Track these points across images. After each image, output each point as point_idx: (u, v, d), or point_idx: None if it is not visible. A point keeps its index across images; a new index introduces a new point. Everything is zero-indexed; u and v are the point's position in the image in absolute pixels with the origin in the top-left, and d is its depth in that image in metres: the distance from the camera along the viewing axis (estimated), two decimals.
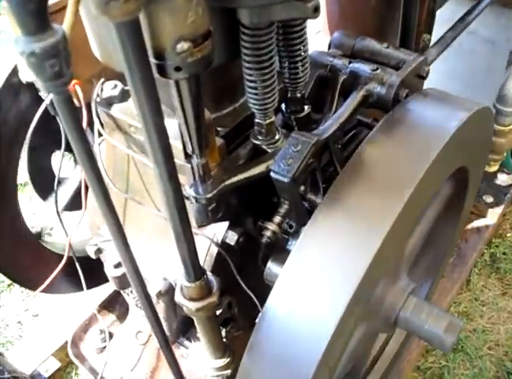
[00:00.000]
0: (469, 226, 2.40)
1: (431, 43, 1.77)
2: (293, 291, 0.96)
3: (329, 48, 1.32)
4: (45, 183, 1.64)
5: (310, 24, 1.07)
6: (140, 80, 0.69)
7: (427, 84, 1.27)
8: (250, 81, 0.97)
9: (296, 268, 0.97)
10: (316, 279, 0.95)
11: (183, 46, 0.72)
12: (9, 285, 2.45)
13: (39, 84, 0.63)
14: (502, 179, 2.50)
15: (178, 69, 0.74)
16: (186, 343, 1.54)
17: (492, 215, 2.45)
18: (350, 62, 1.21)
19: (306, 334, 0.94)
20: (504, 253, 2.45)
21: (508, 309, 2.29)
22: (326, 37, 1.74)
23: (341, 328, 0.92)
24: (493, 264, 2.43)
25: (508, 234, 2.52)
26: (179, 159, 1.02)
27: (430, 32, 1.80)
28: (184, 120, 0.88)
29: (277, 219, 1.07)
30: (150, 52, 0.74)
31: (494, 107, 1.88)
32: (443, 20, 1.83)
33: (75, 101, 1.19)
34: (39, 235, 1.79)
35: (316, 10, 0.83)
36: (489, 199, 2.46)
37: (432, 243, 1.52)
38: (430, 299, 1.82)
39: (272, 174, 0.98)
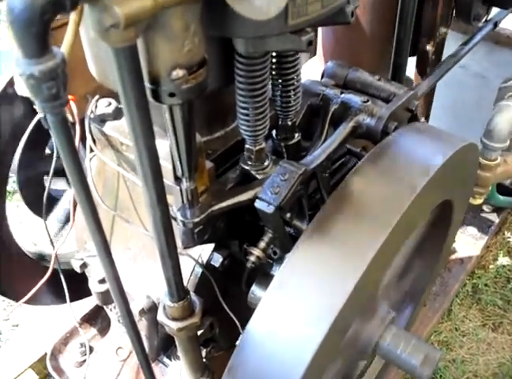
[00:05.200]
0: (453, 256, 2.43)
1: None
2: (274, 317, 0.97)
3: (322, 77, 1.34)
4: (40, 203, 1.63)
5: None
6: (134, 104, 0.71)
7: None
8: (243, 108, 0.99)
9: (278, 294, 0.98)
10: (297, 306, 0.96)
11: (178, 73, 0.74)
12: None
13: (36, 104, 0.65)
14: (487, 212, 2.54)
15: (172, 94, 0.76)
16: (166, 360, 1.54)
17: (476, 247, 2.48)
18: (342, 93, 1.24)
19: (285, 359, 0.95)
20: (486, 285, 2.48)
21: (488, 341, 2.32)
22: (321, 64, 1.77)
23: (320, 354, 0.93)
24: (474, 295, 2.45)
25: (491, 266, 2.55)
26: (169, 179, 1.03)
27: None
28: (175, 144, 0.89)
29: (262, 244, 1.08)
30: (145, 77, 0.75)
31: (481, 142, 1.91)
32: None
33: (69, 116, 1.20)
34: (41, 256, 1.79)
35: (310, 44, 0.85)
36: (473, 231, 2.50)
37: (414, 272, 1.54)
38: (411, 327, 1.83)
39: (256, 204, 1.00)
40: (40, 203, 1.49)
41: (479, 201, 2.06)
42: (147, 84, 0.76)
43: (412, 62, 1.77)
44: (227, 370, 1.01)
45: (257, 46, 0.88)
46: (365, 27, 1.61)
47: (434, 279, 1.75)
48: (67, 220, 1.78)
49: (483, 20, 1.92)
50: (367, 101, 1.19)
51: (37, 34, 0.58)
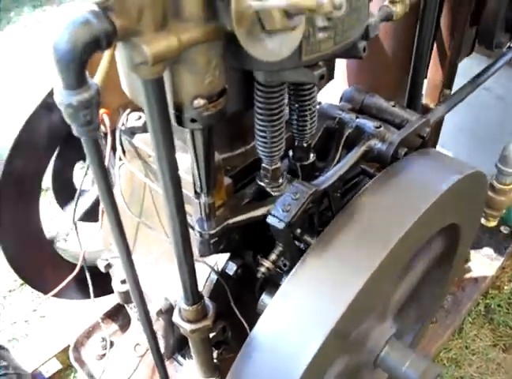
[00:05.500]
0: (468, 275, 2.46)
1: None
2: (277, 323, 1.06)
3: (340, 100, 1.42)
4: (65, 193, 1.74)
5: None
6: (159, 127, 0.80)
7: None
8: (261, 130, 1.08)
9: (282, 303, 1.06)
10: (299, 314, 1.04)
11: (200, 102, 0.82)
12: (21, 284, 2.55)
13: (72, 128, 0.74)
14: (504, 233, 2.57)
15: (193, 120, 0.84)
16: (181, 359, 1.62)
17: (491, 267, 2.51)
18: (357, 117, 1.31)
19: (285, 362, 1.03)
20: (499, 305, 2.50)
21: (497, 361, 2.34)
22: (344, 85, 1.84)
23: (319, 359, 1.01)
24: (487, 315, 2.48)
25: (505, 287, 2.57)
26: (189, 191, 1.12)
27: (450, 87, 1.89)
28: (196, 163, 0.98)
29: (273, 257, 1.15)
30: (170, 104, 0.84)
31: (496, 166, 1.96)
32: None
33: (102, 128, 1.29)
34: (52, 241, 1.88)
35: (321, 78, 0.93)
36: (489, 251, 2.53)
37: (422, 292, 1.59)
38: (418, 344, 1.88)
39: (268, 220, 1.08)
40: (65, 194, 1.63)
41: (493, 224, 2.10)
42: (171, 110, 0.85)
43: None
44: (231, 371, 1.09)
45: (274, 77, 0.96)
46: (387, 51, 1.68)
47: (443, 298, 1.80)
48: (83, 217, 1.85)
49: (506, 46, 1.97)
50: (380, 127, 1.26)
51: (76, 69, 0.67)
